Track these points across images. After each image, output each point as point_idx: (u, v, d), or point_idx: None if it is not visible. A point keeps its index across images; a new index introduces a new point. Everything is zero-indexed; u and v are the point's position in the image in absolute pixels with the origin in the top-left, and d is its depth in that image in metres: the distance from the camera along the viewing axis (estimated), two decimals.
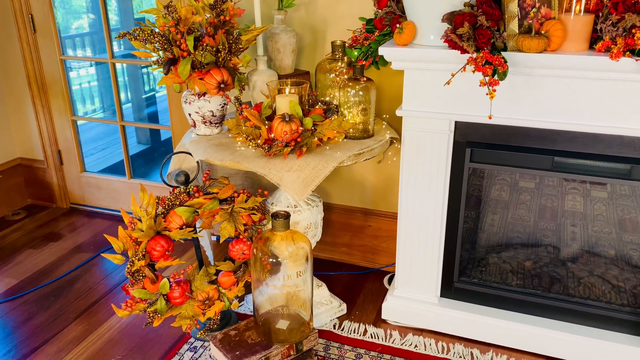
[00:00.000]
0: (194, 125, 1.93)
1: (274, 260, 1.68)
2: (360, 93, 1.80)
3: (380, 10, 1.83)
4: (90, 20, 4.62)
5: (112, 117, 4.44)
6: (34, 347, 1.99)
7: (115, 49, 4.33)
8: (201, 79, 1.77)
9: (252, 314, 2.11)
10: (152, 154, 4.27)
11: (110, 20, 4.44)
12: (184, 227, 1.74)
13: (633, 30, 1.42)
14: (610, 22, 1.47)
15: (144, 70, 4.67)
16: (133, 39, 1.72)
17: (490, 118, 1.62)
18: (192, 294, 1.79)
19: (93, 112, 4.75)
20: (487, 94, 1.52)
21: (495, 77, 1.51)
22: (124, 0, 4.35)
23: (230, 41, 1.77)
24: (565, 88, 1.58)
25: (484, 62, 1.50)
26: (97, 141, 4.39)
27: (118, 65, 4.46)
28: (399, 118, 1.83)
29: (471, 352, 1.92)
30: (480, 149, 1.79)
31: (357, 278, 2.39)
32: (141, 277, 1.70)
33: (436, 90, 1.71)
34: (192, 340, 2.00)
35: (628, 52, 1.42)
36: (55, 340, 2.02)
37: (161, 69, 1.76)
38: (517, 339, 1.90)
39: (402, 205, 1.92)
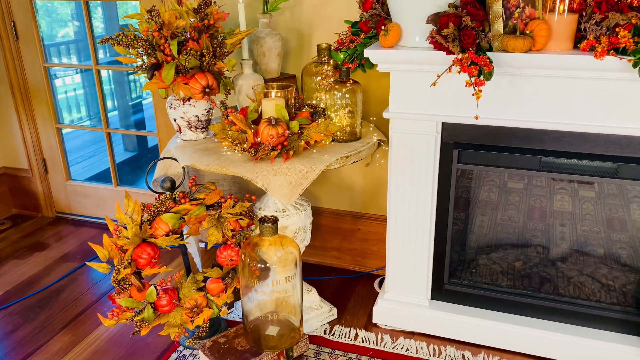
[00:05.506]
0: (179, 131, 1.91)
1: (263, 266, 1.67)
2: (347, 96, 1.79)
3: (365, 13, 1.83)
4: (76, 28, 4.59)
5: (98, 124, 4.40)
6: (19, 359, 1.95)
7: (102, 55, 4.31)
8: (186, 83, 1.76)
9: (241, 320, 2.09)
10: (140, 161, 4.24)
11: (96, 28, 4.43)
12: (170, 234, 1.71)
13: (617, 29, 1.43)
14: (594, 21, 1.47)
15: (131, 77, 4.64)
16: (116, 44, 1.70)
17: (477, 118, 1.62)
18: (180, 301, 1.76)
19: (80, 120, 4.71)
20: (473, 95, 1.51)
21: (481, 77, 1.51)
22: (109, 7, 4.33)
23: (215, 45, 1.76)
24: (551, 88, 1.59)
25: (469, 63, 1.49)
26: (83, 149, 4.35)
27: (104, 73, 4.43)
28: (386, 120, 1.82)
29: (463, 354, 1.91)
30: (467, 150, 1.79)
31: (348, 282, 2.38)
32: (127, 286, 1.67)
33: (422, 91, 1.71)
34: (180, 348, 1.97)
35: (612, 51, 1.42)
36: (41, 352, 1.99)
37: (145, 74, 1.74)
38: (508, 340, 1.90)
39: (391, 208, 1.91)
